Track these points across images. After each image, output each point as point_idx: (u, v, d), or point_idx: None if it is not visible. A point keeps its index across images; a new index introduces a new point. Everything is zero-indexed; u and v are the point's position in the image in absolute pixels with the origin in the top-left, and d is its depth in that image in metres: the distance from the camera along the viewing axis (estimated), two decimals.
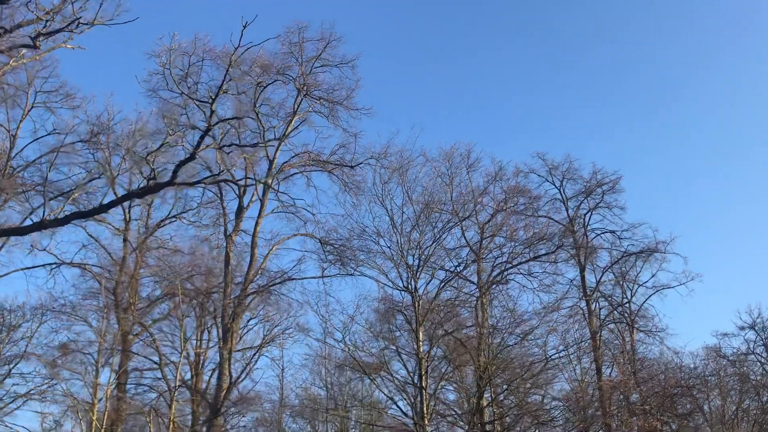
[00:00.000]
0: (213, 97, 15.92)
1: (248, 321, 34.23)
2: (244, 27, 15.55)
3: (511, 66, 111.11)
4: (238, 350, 34.15)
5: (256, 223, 34.26)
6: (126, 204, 40.39)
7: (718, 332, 46.21)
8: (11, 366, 33.52)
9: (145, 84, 18.15)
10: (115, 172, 27.18)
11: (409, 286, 29.91)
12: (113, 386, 31.75)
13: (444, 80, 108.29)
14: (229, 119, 18.08)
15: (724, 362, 48.96)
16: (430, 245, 30.59)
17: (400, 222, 30.35)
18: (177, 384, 26.15)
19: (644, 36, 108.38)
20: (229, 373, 29.93)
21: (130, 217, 40.46)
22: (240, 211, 35.43)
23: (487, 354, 27.42)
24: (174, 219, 40.67)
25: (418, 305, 29.39)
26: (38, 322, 34.55)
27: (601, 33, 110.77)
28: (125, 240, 39.27)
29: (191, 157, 16.75)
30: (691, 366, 39.96)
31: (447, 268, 31.47)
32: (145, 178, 17.07)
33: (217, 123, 16.49)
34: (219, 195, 36.52)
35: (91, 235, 38.23)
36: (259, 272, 33.22)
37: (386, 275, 30.34)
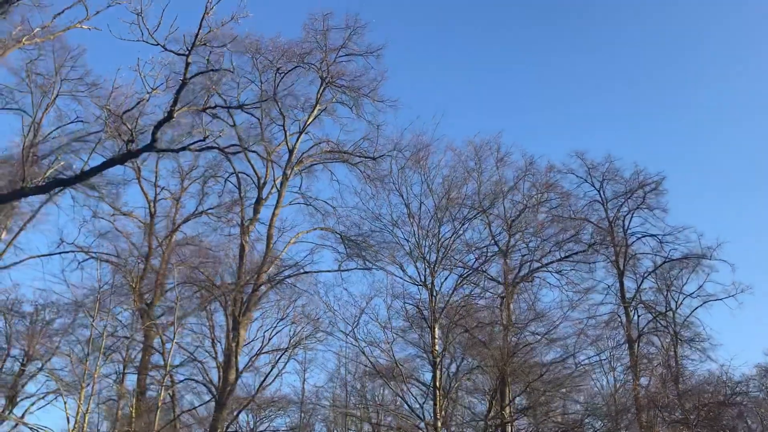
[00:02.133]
0: (189, 48, 14.65)
1: (276, 323, 33.02)
2: None
3: (547, 59, 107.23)
4: (266, 352, 33.03)
5: (273, 214, 33.09)
6: (151, 196, 40.16)
7: None
8: (44, 362, 32.86)
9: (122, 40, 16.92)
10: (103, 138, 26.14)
11: (427, 281, 28.20)
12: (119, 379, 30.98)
13: (471, 69, 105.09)
14: (206, 71, 16.77)
15: None
16: (450, 238, 28.79)
17: (418, 212, 28.68)
18: (166, 374, 24.71)
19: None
20: (236, 366, 28.61)
21: (155, 211, 39.88)
22: (258, 202, 34.37)
23: (505, 354, 25.41)
24: (201, 214, 40.06)
25: (435, 301, 27.65)
26: (71, 318, 33.94)
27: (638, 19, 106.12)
28: (150, 234, 38.66)
29: (169, 117, 15.57)
30: (740, 380, 36.92)
31: (468, 263, 29.59)
32: (124, 142, 15.85)
33: (193, 76, 15.29)
34: (238, 186, 35.59)
35: (117, 229, 37.83)
36: (272, 264, 31.91)
37: (403, 269, 28.68)
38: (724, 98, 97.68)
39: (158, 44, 14.77)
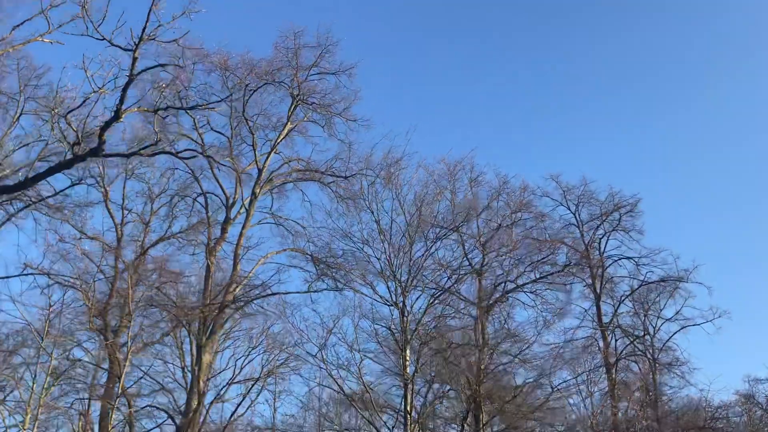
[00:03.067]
0: (136, 42, 13.86)
1: (248, 351, 31.84)
2: None
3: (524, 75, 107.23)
4: (237, 382, 31.80)
5: (240, 234, 32.03)
6: (118, 219, 38.95)
7: (751, 377, 42.36)
8: (5, 394, 31.19)
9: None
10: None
11: (398, 301, 27.26)
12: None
13: (443, 85, 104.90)
14: (154, 67, 15.92)
15: (758, 412, 45.20)
16: (422, 257, 27.96)
17: (389, 229, 27.84)
18: (118, 396, 23.37)
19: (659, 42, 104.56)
20: (199, 391, 27.28)
21: (122, 234, 38.64)
22: (226, 222, 33.34)
23: (478, 375, 24.44)
24: (169, 238, 38.91)
25: (407, 321, 26.68)
26: (36, 348, 32.43)
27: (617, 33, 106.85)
28: (117, 257, 37.38)
29: (115, 117, 14.69)
30: (719, 405, 36.15)
31: (440, 283, 28.66)
32: (70, 145, 14.92)
33: (141, 72, 14.47)
34: (205, 206, 34.58)
35: (84, 253, 36.51)
36: (239, 285, 30.78)
37: (374, 288, 27.74)
38: (700, 119, 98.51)
39: (104, 39, 13.96)
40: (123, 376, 22.09)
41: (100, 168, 36.62)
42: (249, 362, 31.57)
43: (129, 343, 23.76)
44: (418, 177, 29.13)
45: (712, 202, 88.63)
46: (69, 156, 15.53)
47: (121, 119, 14.86)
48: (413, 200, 28.48)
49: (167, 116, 29.73)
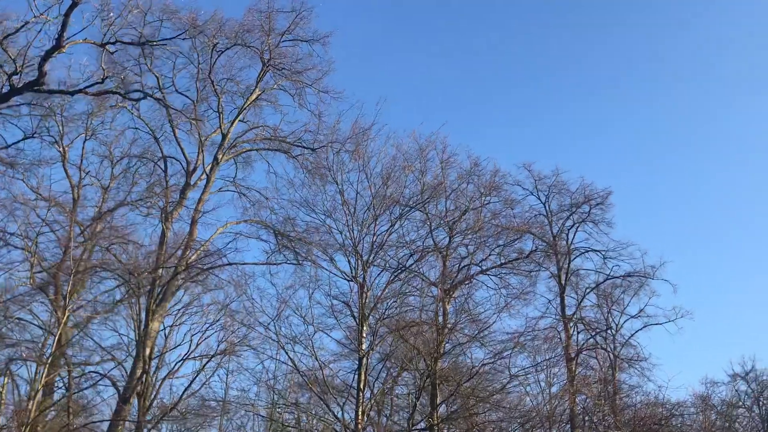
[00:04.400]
0: None
1: (206, 327, 30.66)
2: None
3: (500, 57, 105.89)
4: (193, 358, 30.62)
5: (199, 200, 30.84)
6: (75, 180, 37.32)
7: (708, 379, 42.47)
8: None
9: None
10: None
11: (358, 276, 26.31)
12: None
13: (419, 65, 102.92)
14: None
15: (713, 415, 45.43)
16: (385, 232, 27.04)
17: (354, 201, 26.85)
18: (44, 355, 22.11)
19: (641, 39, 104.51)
20: (143, 358, 26.09)
21: (78, 197, 37.03)
22: (185, 188, 32.09)
23: (435, 355, 23.66)
24: (128, 204, 37.43)
25: (366, 297, 25.77)
26: None
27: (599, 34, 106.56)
28: (71, 221, 35.85)
29: (57, 46, 13.45)
30: (677, 402, 35.99)
31: (403, 261, 27.73)
32: (7, 75, 13.66)
33: None
34: (164, 170, 33.25)
35: (40, 216, 34.94)
36: (196, 253, 29.60)
37: (333, 262, 26.74)
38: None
39: None
40: (60, 329, 20.79)
41: (59, 126, 35.13)
42: (206, 339, 30.67)
43: (67, 302, 22.35)
44: (386, 152, 28.13)
45: (684, 198, 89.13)
46: (6, 88, 14.25)
47: (64, 49, 13.62)
48: (380, 173, 27.52)
49: (143, 98, 27.91)
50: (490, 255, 31.19)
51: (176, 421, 34.62)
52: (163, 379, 29.76)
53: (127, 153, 36.20)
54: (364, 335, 25.12)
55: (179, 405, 29.62)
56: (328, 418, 25.29)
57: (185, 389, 29.96)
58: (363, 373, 24.45)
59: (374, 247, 26.79)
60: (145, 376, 26.41)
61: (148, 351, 26.87)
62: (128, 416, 24.62)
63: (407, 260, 27.00)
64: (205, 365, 30.23)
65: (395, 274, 26.47)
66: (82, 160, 36.93)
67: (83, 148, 36.38)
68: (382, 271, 26.67)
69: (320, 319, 26.06)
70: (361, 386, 24.36)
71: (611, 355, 39.13)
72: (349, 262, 26.84)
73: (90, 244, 34.24)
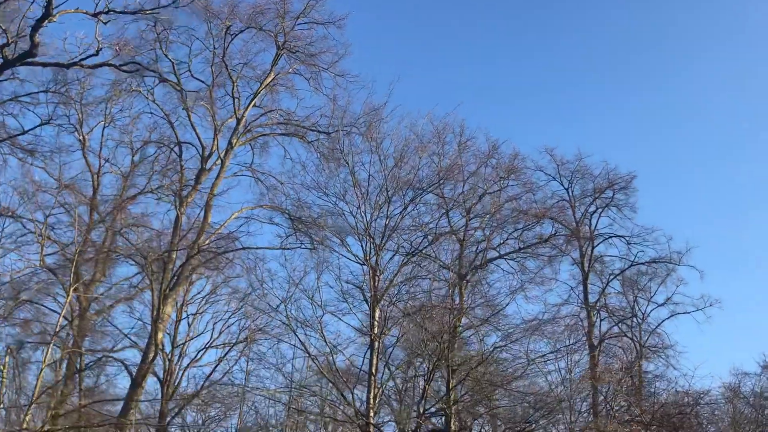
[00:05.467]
0: None
1: (228, 315, 30.59)
2: None
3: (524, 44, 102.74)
4: (215, 346, 30.61)
5: (214, 184, 30.64)
6: (95, 168, 37.40)
7: (738, 370, 41.06)
8: None
9: None
10: None
11: (371, 259, 25.83)
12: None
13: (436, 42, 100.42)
14: None
15: (741, 405, 43.96)
16: (399, 214, 26.51)
17: (366, 183, 26.37)
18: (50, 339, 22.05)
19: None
20: (156, 342, 25.98)
21: (98, 185, 37.12)
22: (200, 173, 31.90)
23: (450, 340, 23.10)
24: (147, 193, 37.46)
25: (378, 281, 25.29)
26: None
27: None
28: (92, 209, 35.98)
29: (46, 14, 13.15)
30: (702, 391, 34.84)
31: (417, 245, 27.16)
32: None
33: None
34: (179, 155, 33.14)
35: (60, 203, 35.12)
36: (210, 237, 29.41)
37: (346, 245, 26.32)
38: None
39: None
40: (65, 308, 20.71)
41: (79, 114, 35.21)
42: (227, 327, 30.58)
43: (71, 281, 22.23)
44: (400, 133, 27.55)
45: (712, 177, 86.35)
46: None
47: (54, 18, 13.32)
48: (392, 155, 26.97)
49: (137, 70, 27.36)
50: (507, 239, 30.54)
51: (199, 409, 34.78)
52: (186, 367, 29.84)
53: (147, 140, 36.23)
54: (377, 319, 24.66)
55: (201, 393, 29.65)
56: (340, 403, 24.89)
57: (206, 377, 30.04)
58: (375, 357, 24.02)
59: (387, 230, 26.30)
60: (165, 361, 26.38)
61: (160, 336, 26.71)
62: (140, 399, 24.45)
63: (421, 243, 26.44)
64: (227, 353, 30.31)
65: (408, 257, 25.92)
66: (101, 148, 37.09)
67: (102, 135, 36.56)
68: (394, 254, 26.14)
69: (333, 304, 25.68)
70: (373, 371, 23.94)
71: (637, 345, 38.13)
72: (361, 245, 26.41)
73: (110, 234, 34.36)
